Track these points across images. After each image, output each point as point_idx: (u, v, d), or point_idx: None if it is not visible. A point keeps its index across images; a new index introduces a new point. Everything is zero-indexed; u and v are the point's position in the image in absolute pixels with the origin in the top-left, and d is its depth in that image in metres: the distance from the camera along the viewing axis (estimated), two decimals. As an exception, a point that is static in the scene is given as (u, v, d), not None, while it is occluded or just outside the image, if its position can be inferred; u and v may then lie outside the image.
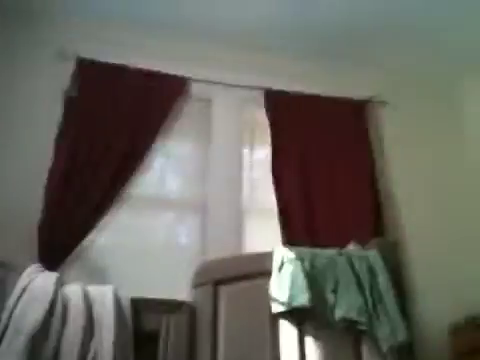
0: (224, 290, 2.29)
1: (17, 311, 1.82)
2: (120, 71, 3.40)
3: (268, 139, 3.50)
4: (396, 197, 3.56)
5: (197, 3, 3.39)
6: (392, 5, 3.36)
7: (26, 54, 3.34)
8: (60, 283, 2.02)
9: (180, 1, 3.39)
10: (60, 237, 2.85)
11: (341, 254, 2.44)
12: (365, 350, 2.15)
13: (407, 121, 3.88)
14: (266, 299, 2.25)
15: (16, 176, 3.00)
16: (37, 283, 1.95)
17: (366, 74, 3.91)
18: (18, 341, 1.71)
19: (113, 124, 3.22)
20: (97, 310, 1.94)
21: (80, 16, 3.47)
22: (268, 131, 3.52)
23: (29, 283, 1.93)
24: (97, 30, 3.50)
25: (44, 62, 3.34)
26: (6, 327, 1.77)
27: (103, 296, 2.00)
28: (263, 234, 3.30)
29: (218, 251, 2.85)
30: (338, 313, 2.21)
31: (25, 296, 1.87)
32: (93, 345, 1.86)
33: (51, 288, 1.93)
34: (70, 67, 3.33)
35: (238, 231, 3.25)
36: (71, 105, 3.22)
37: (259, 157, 3.60)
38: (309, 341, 2.18)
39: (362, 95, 3.79)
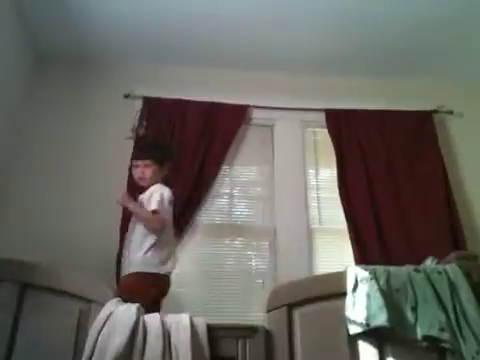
0: (298, 313, 2.26)
1: (101, 337, 1.91)
2: (183, 105, 3.54)
3: (333, 158, 3.48)
4: (473, 208, 3.40)
5: (252, 34, 3.49)
6: (451, 14, 3.27)
7: (95, 98, 3.57)
8: (141, 312, 2.10)
9: (235, 33, 3.49)
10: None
11: (418, 270, 2.35)
12: (450, 368, 2.05)
13: (475, 129, 3.70)
14: (342, 320, 2.21)
15: (93, 214, 3.17)
16: (121, 311, 2.04)
17: (427, 87, 3.78)
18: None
19: (180, 157, 3.34)
20: (174, 337, 1.99)
21: (142, 60, 3.67)
22: (332, 150, 3.51)
23: (113, 311, 2.03)
24: (159, 70, 3.68)
25: (112, 104, 3.54)
26: (92, 353, 1.86)
27: (179, 323, 2.04)
28: (333, 254, 3.26)
29: (289, 273, 2.85)
30: (420, 331, 2.12)
31: (109, 322, 1.96)
32: (171, 372, 1.91)
33: (133, 315, 2.01)
34: (137, 107, 3.51)
35: (308, 252, 3.23)
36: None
37: (325, 177, 3.58)
38: (390, 362, 2.11)
39: (426, 107, 3.69)
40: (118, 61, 3.69)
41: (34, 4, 3.22)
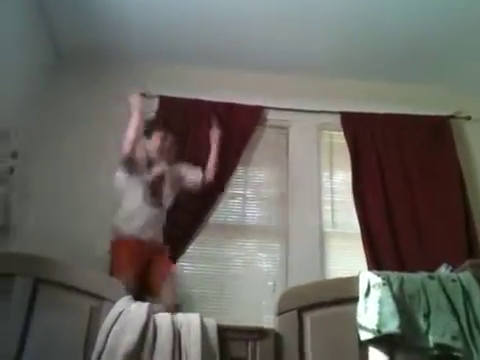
0: (309, 317, 2.25)
1: (112, 334, 1.92)
2: (199, 105, 3.55)
3: (348, 162, 3.46)
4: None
5: (269, 36, 3.48)
6: (471, 20, 3.24)
7: (111, 97, 3.57)
8: (152, 311, 2.10)
9: (252, 36, 3.50)
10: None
11: (432, 277, 2.32)
12: (462, 377, 2.02)
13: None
14: (353, 326, 2.19)
15: (109, 212, 3.17)
16: (132, 309, 2.05)
17: (445, 92, 3.74)
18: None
19: (195, 156, 3.34)
20: (184, 337, 1.99)
21: (159, 59, 3.70)
22: (347, 154, 3.49)
23: (124, 309, 2.04)
24: (176, 70, 3.70)
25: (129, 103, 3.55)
26: (102, 350, 1.87)
27: (190, 323, 2.04)
28: (345, 258, 3.25)
29: (300, 276, 2.84)
30: (432, 339, 2.09)
31: (120, 320, 1.98)
32: (181, 372, 1.91)
33: (144, 314, 2.02)
34: (153, 106, 3.53)
35: (320, 256, 3.22)
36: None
37: (339, 180, 3.56)
38: (401, 369, 2.08)
39: (443, 113, 3.65)
40: (135, 60, 3.72)
41: (54, 4, 3.27)
